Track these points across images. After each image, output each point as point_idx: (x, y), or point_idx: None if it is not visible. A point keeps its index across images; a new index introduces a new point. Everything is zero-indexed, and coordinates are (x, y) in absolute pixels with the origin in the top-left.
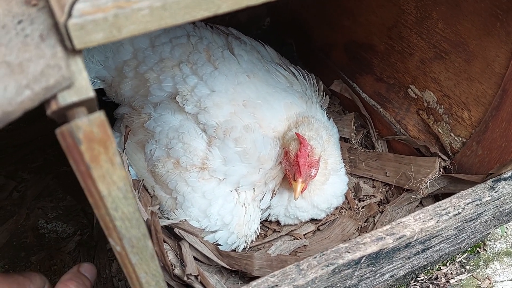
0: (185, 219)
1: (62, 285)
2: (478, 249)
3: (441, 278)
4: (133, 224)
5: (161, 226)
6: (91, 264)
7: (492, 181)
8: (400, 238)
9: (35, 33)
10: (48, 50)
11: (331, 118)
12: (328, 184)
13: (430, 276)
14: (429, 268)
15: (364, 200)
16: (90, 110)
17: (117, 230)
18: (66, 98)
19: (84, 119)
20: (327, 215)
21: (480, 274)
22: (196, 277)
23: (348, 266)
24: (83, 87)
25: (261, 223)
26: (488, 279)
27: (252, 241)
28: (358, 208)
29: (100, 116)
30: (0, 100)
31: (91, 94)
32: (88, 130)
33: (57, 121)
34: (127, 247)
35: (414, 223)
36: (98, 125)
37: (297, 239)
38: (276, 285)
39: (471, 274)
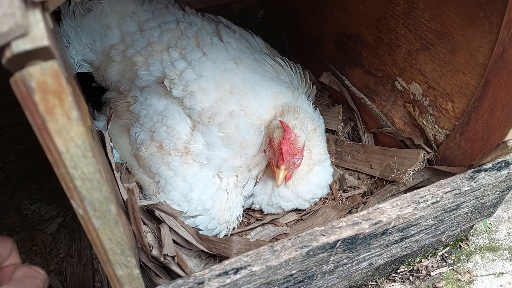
0: (164, 201)
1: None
2: (460, 243)
3: (421, 270)
4: (94, 185)
5: (142, 210)
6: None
7: (472, 172)
8: (376, 223)
9: None
10: (6, 0)
11: (318, 109)
12: (313, 175)
13: (410, 268)
14: (409, 260)
15: (348, 192)
16: None
17: (78, 191)
18: (20, 45)
19: (37, 67)
20: (311, 205)
21: (461, 268)
22: (173, 258)
23: (323, 250)
24: (38, 37)
25: (244, 211)
26: (469, 272)
27: (234, 228)
28: (342, 199)
29: (53, 65)
30: None
31: (46, 42)
32: (41, 79)
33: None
34: (89, 210)
35: (391, 210)
36: (51, 75)
37: (279, 227)
38: (249, 265)
39: (452, 267)
